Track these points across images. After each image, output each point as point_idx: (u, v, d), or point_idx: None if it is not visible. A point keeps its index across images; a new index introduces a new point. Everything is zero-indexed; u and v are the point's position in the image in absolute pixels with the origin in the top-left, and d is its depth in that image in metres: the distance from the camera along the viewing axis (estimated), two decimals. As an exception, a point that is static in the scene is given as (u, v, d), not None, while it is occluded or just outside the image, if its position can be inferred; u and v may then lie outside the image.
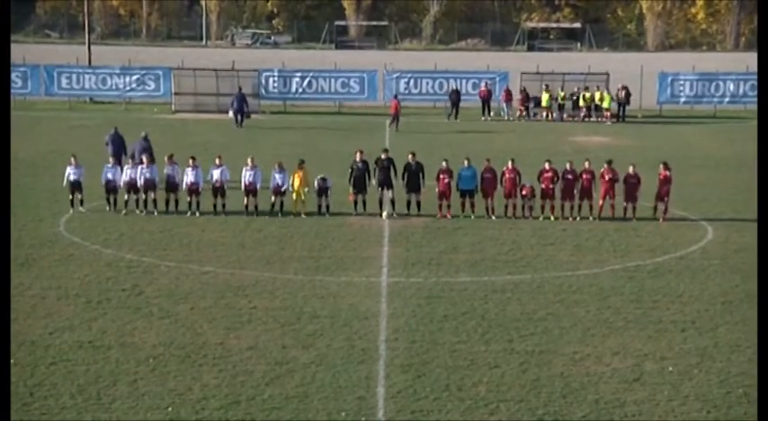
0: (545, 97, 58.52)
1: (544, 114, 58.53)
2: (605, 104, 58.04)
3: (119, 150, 38.27)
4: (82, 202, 32.19)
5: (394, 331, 21.56)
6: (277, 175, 32.11)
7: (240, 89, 56.45)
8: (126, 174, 32.23)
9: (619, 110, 58.59)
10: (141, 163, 32.66)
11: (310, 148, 45.16)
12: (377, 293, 24.29)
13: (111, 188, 32.15)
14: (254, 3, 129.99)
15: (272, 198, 32.14)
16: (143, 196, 32.21)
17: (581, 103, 58.32)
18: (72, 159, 32.52)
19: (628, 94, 58.57)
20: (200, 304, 23.25)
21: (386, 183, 32.09)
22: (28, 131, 49.91)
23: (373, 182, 32.25)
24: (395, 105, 54.88)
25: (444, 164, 32.32)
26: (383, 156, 32.44)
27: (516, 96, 59.55)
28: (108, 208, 32.07)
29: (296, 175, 31.97)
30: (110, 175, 32.19)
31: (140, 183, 32.09)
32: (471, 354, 20.24)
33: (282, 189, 32.06)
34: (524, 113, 59.00)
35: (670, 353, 20.49)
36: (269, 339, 21.00)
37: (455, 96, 58.72)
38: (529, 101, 59.13)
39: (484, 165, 32.40)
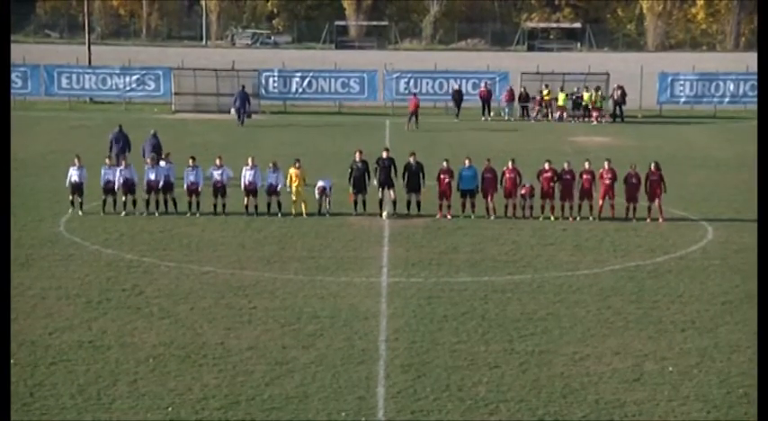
0: (561, 97, 58.42)
1: (557, 114, 58.44)
2: (600, 104, 58.21)
3: (123, 149, 38.43)
4: (81, 206, 32.13)
5: (394, 331, 21.56)
6: (271, 175, 32.09)
7: (243, 87, 56.58)
8: (122, 176, 32.12)
9: (615, 109, 58.61)
10: (149, 162, 32.65)
11: (310, 148, 45.19)
12: (377, 293, 24.29)
13: (109, 189, 32.07)
14: (254, 3, 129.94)
15: (267, 198, 32.10)
16: (145, 196, 32.16)
17: (593, 104, 58.23)
18: (75, 160, 32.45)
19: (623, 94, 58.52)
20: (200, 304, 23.26)
21: (387, 183, 32.08)
22: (28, 131, 49.90)
23: (374, 182, 32.25)
24: (414, 103, 55.04)
25: (445, 164, 32.32)
26: (384, 156, 32.44)
27: (516, 96, 59.64)
28: (103, 211, 31.96)
29: (293, 175, 31.94)
30: (110, 177, 32.12)
31: (143, 184, 32.06)
32: (471, 354, 20.24)
33: (278, 188, 32.04)
34: (539, 114, 58.90)
35: (670, 353, 20.49)
36: (269, 339, 21.00)
37: (457, 96, 58.73)
38: (541, 102, 59.11)
39: (484, 166, 32.40)
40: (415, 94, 57.10)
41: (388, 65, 67.57)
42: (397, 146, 40.33)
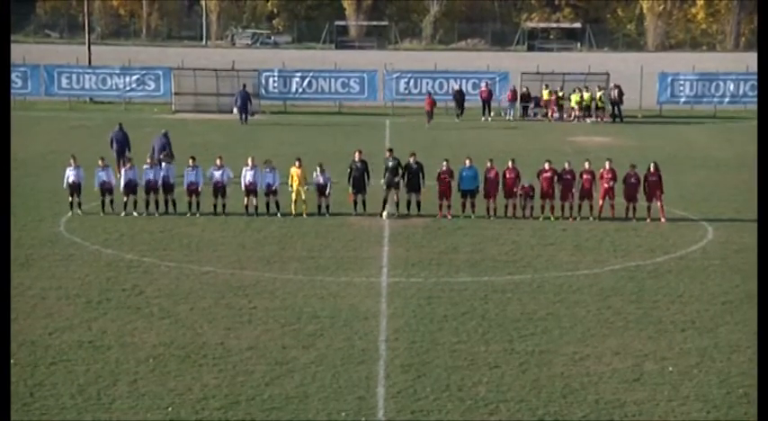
0: (575, 98, 58.25)
1: (565, 114, 58.26)
2: (596, 104, 58.25)
3: (122, 147, 38.49)
4: (80, 206, 32.13)
5: (394, 331, 21.56)
6: (268, 175, 32.08)
7: (244, 86, 56.80)
8: (126, 176, 32.15)
9: (613, 109, 58.61)
10: (159, 162, 32.63)
11: (310, 148, 45.16)
12: (377, 293, 24.28)
13: (105, 190, 32.04)
14: (254, 3, 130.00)
15: (265, 198, 32.10)
16: (144, 196, 32.15)
17: (579, 104, 58.22)
18: (71, 160, 32.47)
19: (620, 94, 58.49)
20: (200, 304, 23.26)
21: (394, 184, 32.10)
22: (28, 131, 49.91)
23: (381, 182, 32.23)
24: (429, 102, 55.18)
25: (445, 164, 32.32)
26: (388, 156, 32.47)
27: (518, 96, 59.57)
28: (102, 212, 31.98)
29: (294, 175, 31.93)
30: (104, 178, 32.07)
31: (141, 184, 32.03)
32: (471, 354, 20.24)
33: (273, 187, 32.01)
34: (555, 114, 58.69)
35: (670, 353, 20.49)
36: (269, 339, 21.01)
37: (459, 96, 58.65)
38: (557, 103, 58.93)
39: (487, 167, 32.33)
40: (429, 93, 57.28)
41: (388, 65, 67.56)
42: (398, 146, 40.25)
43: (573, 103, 58.39)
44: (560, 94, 59.07)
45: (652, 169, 31.98)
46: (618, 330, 21.82)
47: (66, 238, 29.26)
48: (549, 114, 58.71)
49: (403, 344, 20.82)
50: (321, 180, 32.11)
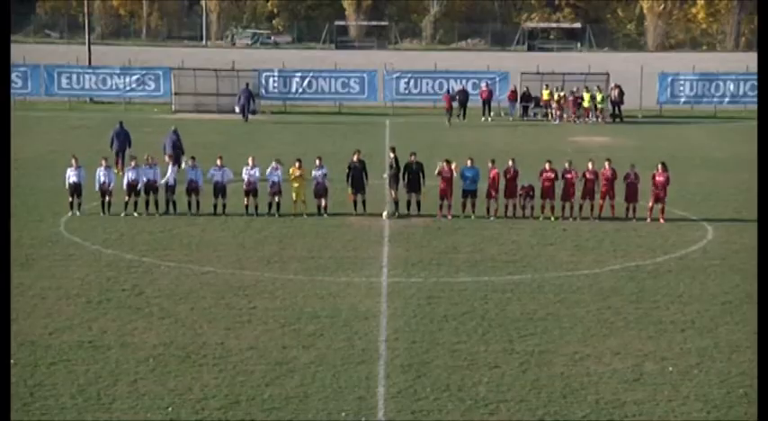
0: (587, 97, 58.05)
1: (588, 115, 57.94)
2: (594, 104, 58.15)
3: (122, 146, 38.51)
4: (80, 207, 32.12)
5: (394, 331, 21.57)
6: (274, 173, 32.08)
7: (247, 85, 57.01)
8: (126, 176, 32.19)
9: (613, 109, 58.57)
10: (148, 161, 32.64)
11: (310, 148, 45.13)
12: (377, 293, 24.28)
13: (105, 191, 32.01)
14: (254, 3, 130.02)
15: (269, 198, 32.09)
16: (144, 197, 32.14)
17: (585, 103, 58.08)
18: (73, 161, 32.46)
19: (621, 93, 58.43)
20: (200, 304, 23.26)
21: (394, 183, 32.13)
22: (28, 131, 49.90)
23: (387, 179, 32.35)
24: (447, 100, 55.47)
25: (445, 164, 32.32)
26: (391, 155, 32.54)
27: (519, 96, 59.48)
28: (102, 212, 31.98)
29: (294, 175, 31.91)
30: (103, 178, 32.05)
31: (140, 184, 32.00)
32: (471, 354, 20.24)
33: (276, 179, 31.97)
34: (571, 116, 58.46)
35: (670, 353, 20.50)
36: (269, 339, 21.01)
37: (462, 96, 58.56)
38: (575, 103, 58.71)
39: (488, 167, 32.29)
40: (448, 92, 57.33)
41: (389, 65, 67.55)
42: (398, 146, 40.24)
43: (586, 104, 58.08)
44: (561, 94, 58.74)
45: (660, 169, 31.87)
46: (618, 330, 21.83)
47: (66, 238, 29.26)
48: (565, 115, 58.16)
49: (403, 344, 20.83)
50: (318, 177, 32.07)
